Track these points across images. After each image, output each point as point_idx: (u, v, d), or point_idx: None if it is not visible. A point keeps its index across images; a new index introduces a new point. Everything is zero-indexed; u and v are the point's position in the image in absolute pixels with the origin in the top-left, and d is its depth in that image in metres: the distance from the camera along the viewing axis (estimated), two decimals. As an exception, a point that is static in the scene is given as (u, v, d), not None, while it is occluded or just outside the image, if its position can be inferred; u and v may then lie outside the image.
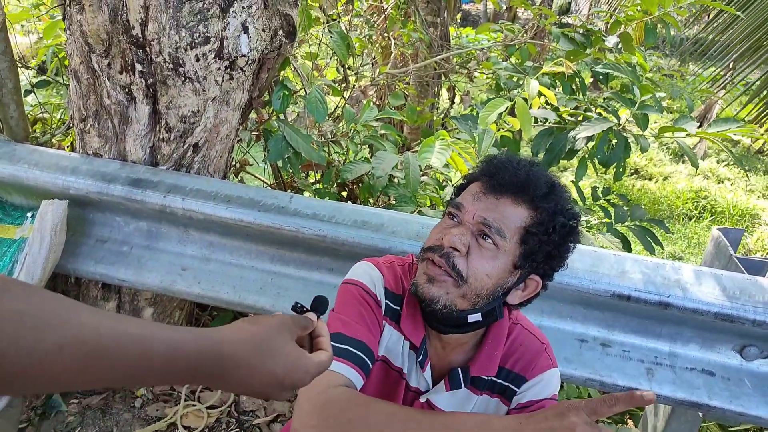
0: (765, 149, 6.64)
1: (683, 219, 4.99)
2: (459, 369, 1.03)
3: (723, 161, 6.27)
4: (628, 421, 2.20)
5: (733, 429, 2.10)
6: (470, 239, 0.94)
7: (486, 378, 1.04)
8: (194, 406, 2.07)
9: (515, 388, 1.03)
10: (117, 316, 0.52)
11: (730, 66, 4.03)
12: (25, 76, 2.68)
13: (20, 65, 2.53)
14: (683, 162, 6.31)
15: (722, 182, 5.79)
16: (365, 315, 1.02)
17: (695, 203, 5.20)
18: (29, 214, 1.93)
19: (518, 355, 1.04)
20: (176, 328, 0.56)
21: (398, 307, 1.06)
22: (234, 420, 2.06)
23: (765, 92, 3.76)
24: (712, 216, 5.01)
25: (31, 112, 2.78)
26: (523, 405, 1.02)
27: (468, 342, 1.05)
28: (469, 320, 0.97)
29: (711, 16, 4.23)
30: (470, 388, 1.04)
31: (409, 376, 1.07)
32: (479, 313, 0.97)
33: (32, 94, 2.64)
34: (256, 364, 0.61)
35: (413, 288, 0.98)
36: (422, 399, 1.06)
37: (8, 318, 0.43)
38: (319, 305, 0.78)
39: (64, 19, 1.80)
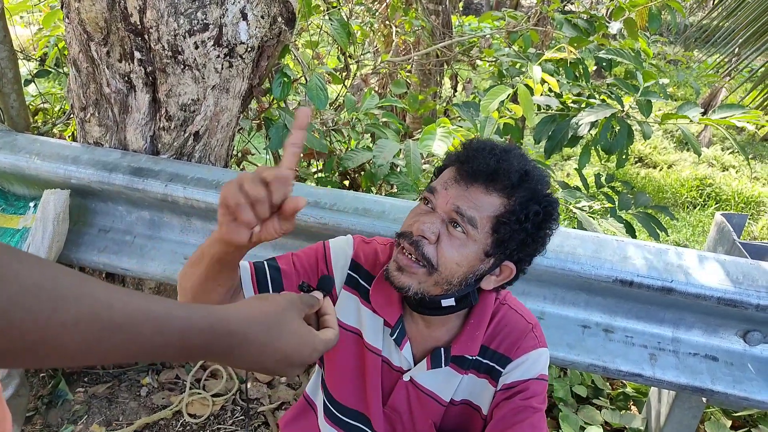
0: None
1: (688, 207, 4.97)
2: (441, 348, 1.04)
3: (728, 148, 6.23)
4: (632, 407, 2.20)
5: (736, 414, 2.10)
6: (441, 227, 0.93)
7: (470, 358, 1.03)
8: (199, 394, 2.08)
9: (500, 369, 1.03)
10: (130, 291, 0.52)
11: (735, 52, 3.99)
12: (26, 68, 2.68)
13: (21, 56, 2.52)
14: (688, 150, 6.28)
15: (727, 170, 5.76)
16: (305, 262, 1.07)
17: (700, 191, 5.17)
18: (32, 204, 1.93)
19: (503, 336, 1.04)
20: (189, 305, 0.57)
21: (367, 284, 1.08)
22: (239, 408, 2.07)
23: (770, 78, 3.72)
24: (716, 204, 4.99)
25: (32, 103, 2.78)
26: (508, 385, 1.01)
27: (452, 321, 1.05)
28: (443, 305, 0.98)
29: (715, 2, 4.18)
30: (453, 367, 1.04)
31: (390, 355, 1.08)
32: (452, 298, 0.97)
33: (33, 84, 2.63)
34: (266, 342, 0.62)
35: (385, 273, 0.98)
36: (405, 378, 1.07)
37: (25, 291, 0.43)
38: (326, 284, 0.79)
39: (62, 8, 1.79)
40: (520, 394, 0.99)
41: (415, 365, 1.07)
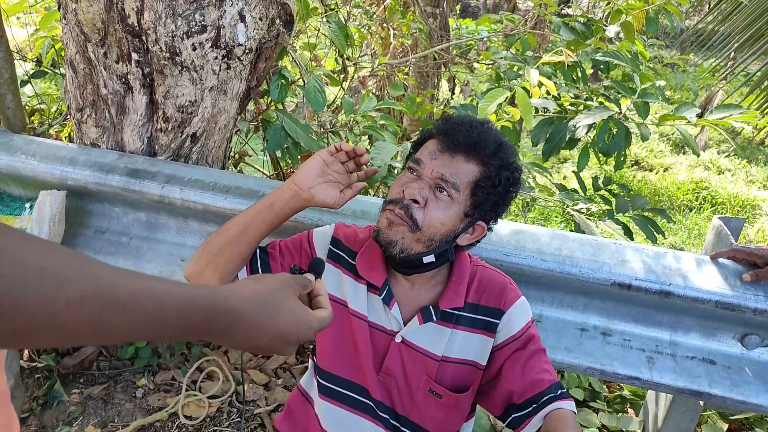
0: (767, 141, 6.62)
1: (684, 210, 4.98)
2: (430, 306, 1.15)
3: (724, 152, 6.25)
4: (629, 410, 2.20)
5: (733, 417, 2.10)
6: (428, 192, 1.06)
7: (458, 313, 1.15)
8: (195, 396, 2.07)
9: (496, 321, 1.15)
10: (131, 271, 0.53)
11: (731, 56, 4.00)
12: (23, 69, 2.67)
13: (18, 57, 2.51)
14: (684, 153, 6.30)
15: (723, 173, 5.78)
16: (290, 246, 1.22)
17: (696, 194, 5.19)
18: (27, 205, 1.92)
19: (488, 291, 1.17)
20: (189, 285, 0.58)
21: (348, 257, 1.21)
22: (235, 410, 2.06)
23: (766, 83, 3.74)
24: (712, 207, 5.01)
25: (28, 104, 2.77)
26: (515, 336, 1.14)
27: (433, 280, 1.17)
28: (424, 261, 1.10)
29: (711, 6, 4.19)
30: (440, 322, 1.15)
31: (378, 320, 1.17)
32: (432, 255, 1.09)
33: (29, 85, 2.62)
34: (262, 320, 0.64)
35: (375, 234, 1.10)
36: (397, 339, 1.16)
37: (31, 271, 0.44)
38: (316, 267, 0.84)
39: (59, 8, 1.79)
40: (529, 342, 1.13)
41: (405, 325, 1.16)
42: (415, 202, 1.05)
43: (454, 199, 1.05)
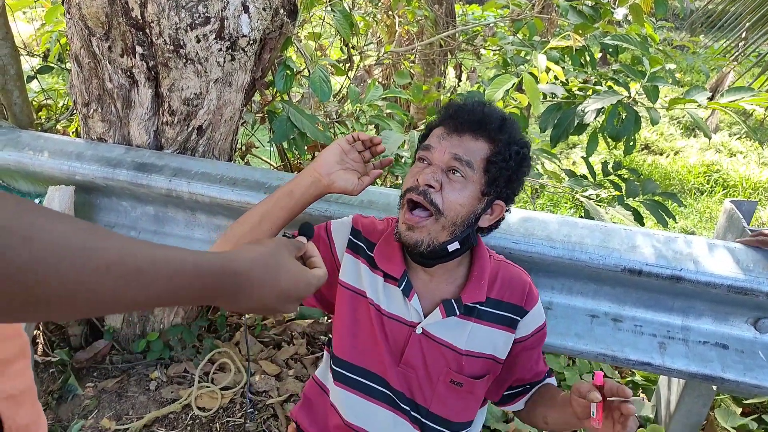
0: (778, 121, 6.52)
1: (695, 193, 4.93)
2: (452, 299, 1.15)
3: (735, 134, 6.17)
4: (641, 394, 2.19)
5: (747, 401, 2.09)
6: (441, 176, 1.07)
7: (480, 308, 1.16)
8: (208, 387, 2.09)
9: (518, 318, 1.18)
10: (146, 242, 0.57)
11: (742, 37, 3.93)
12: (29, 65, 2.67)
13: (24, 53, 2.52)
14: (694, 136, 6.23)
15: (734, 156, 5.70)
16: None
17: (707, 177, 5.13)
18: (36, 201, 1.93)
19: (512, 289, 1.19)
20: (199, 251, 0.62)
21: (367, 248, 1.22)
22: (248, 400, 2.07)
23: (779, 62, 3.67)
24: (724, 190, 4.95)
25: (35, 99, 2.78)
26: (534, 332, 1.20)
27: (454, 272, 1.18)
28: (450, 250, 1.10)
29: (722, -15, 4.11)
30: (461, 316, 1.16)
31: (398, 311, 1.17)
32: (457, 242, 1.10)
33: (36, 80, 2.63)
34: (266, 280, 0.69)
35: (396, 236, 1.12)
36: (418, 331, 1.16)
37: (57, 242, 0.47)
38: (307, 231, 0.87)
39: (63, 2, 1.78)
40: (541, 341, 1.22)
41: (425, 317, 1.16)
42: (431, 187, 1.06)
43: (469, 179, 1.06)
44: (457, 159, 1.06)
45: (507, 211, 1.16)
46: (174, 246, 0.60)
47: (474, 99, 1.15)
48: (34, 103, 2.70)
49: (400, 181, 2.15)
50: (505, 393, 1.25)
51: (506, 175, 1.08)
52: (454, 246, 1.10)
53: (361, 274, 1.20)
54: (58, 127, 2.47)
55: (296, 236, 0.86)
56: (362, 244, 1.23)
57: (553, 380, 1.26)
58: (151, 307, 0.61)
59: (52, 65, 2.62)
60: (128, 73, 1.79)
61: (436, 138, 1.11)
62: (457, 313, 1.14)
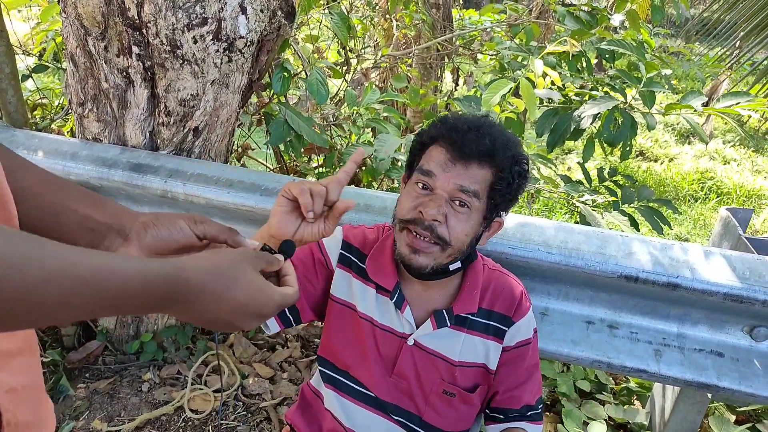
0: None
1: (689, 200, 4.95)
2: (443, 310, 1.15)
3: (729, 142, 6.21)
4: (636, 401, 2.19)
5: (741, 409, 2.09)
6: (446, 207, 1.03)
7: (471, 318, 1.16)
8: (201, 389, 2.08)
9: (505, 328, 1.17)
10: (90, 250, 0.55)
11: (737, 45, 3.96)
12: (24, 64, 2.66)
13: (19, 51, 2.50)
14: (689, 143, 6.26)
15: (728, 163, 5.73)
16: (302, 258, 1.20)
17: (701, 184, 5.16)
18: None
19: (503, 299, 1.18)
20: (146, 258, 0.60)
21: (359, 261, 1.20)
22: (241, 403, 2.06)
23: (773, 71, 3.69)
24: (718, 197, 4.97)
25: (30, 98, 2.76)
26: (520, 343, 1.18)
27: (449, 285, 1.17)
28: (451, 269, 1.11)
29: (717, -6, 4.13)
30: (453, 327, 1.16)
31: (391, 323, 1.17)
32: (459, 261, 1.10)
33: (31, 79, 2.61)
34: (220, 290, 0.64)
35: (398, 258, 1.09)
36: (410, 342, 1.16)
37: None
38: (287, 248, 0.83)
39: (59, 1, 1.77)
40: (527, 354, 1.19)
41: (417, 328, 1.16)
42: (437, 221, 1.03)
43: (473, 208, 1.04)
44: (463, 191, 1.02)
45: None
46: (120, 255, 0.58)
47: (475, 121, 1.08)
48: (29, 102, 2.68)
49: (396, 185, 2.14)
50: (487, 410, 1.24)
51: (508, 197, 1.08)
52: (455, 265, 1.11)
53: (352, 288, 1.19)
54: (53, 126, 2.45)
55: (275, 252, 0.81)
56: (353, 257, 1.21)
57: (531, 428, 1.18)
58: (106, 316, 0.60)
59: (48, 64, 2.60)
60: (124, 73, 1.78)
61: (438, 164, 1.04)
62: (448, 324, 1.14)
